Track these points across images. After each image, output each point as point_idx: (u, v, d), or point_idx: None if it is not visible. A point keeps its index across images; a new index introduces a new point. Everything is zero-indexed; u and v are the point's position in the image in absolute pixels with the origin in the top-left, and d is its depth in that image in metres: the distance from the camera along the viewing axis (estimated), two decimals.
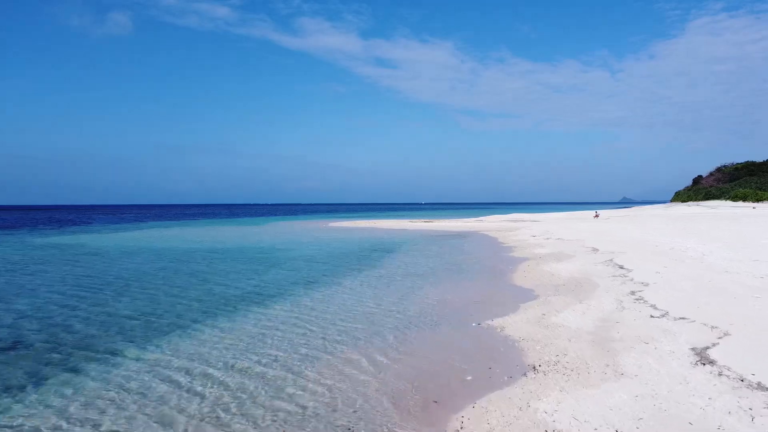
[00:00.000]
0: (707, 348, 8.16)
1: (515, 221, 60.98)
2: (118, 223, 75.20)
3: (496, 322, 11.41)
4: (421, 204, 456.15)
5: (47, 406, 7.21)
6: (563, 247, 25.63)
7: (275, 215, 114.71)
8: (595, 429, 5.79)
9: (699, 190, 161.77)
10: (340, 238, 39.56)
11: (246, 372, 8.54)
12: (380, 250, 29.90)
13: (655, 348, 8.44)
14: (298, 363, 8.94)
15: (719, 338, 8.61)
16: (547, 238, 31.64)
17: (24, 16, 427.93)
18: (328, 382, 8.01)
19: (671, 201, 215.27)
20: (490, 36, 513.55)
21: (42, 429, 6.55)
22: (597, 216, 64.60)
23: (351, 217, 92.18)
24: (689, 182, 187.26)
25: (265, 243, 35.78)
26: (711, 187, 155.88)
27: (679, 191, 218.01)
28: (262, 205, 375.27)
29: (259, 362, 9.00)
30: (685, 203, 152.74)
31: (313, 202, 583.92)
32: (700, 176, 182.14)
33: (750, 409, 5.93)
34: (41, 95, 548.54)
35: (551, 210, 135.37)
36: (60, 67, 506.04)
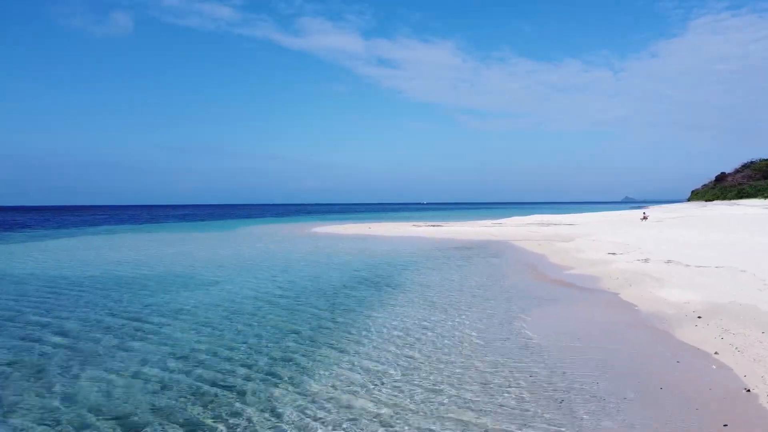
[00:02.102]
0: None
1: (544, 225, 48.56)
2: (71, 226, 62.86)
3: None
4: (423, 204, 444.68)
5: None
6: (730, 292, 13.11)
7: (264, 217, 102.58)
8: None
9: (727, 188, 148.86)
10: (316, 255, 27.21)
11: None
12: (367, 283, 17.47)
13: None
14: None
15: None
16: (644, 260, 19.17)
17: (24, 16, 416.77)
18: None
19: (690, 200, 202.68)
20: (492, 35, 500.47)
21: None
22: (645, 218, 52.13)
23: (346, 219, 79.89)
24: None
25: (206, 264, 23.45)
26: (741, 185, 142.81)
27: (697, 190, 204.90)
28: (261, 205, 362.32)
29: None
30: (711, 202, 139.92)
31: (314, 202, 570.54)
32: (723, 173, 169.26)
33: None
34: (41, 95, 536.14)
35: (567, 210, 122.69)
36: (60, 67, 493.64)
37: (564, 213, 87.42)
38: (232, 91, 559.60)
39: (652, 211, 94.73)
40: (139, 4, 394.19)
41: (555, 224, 51.13)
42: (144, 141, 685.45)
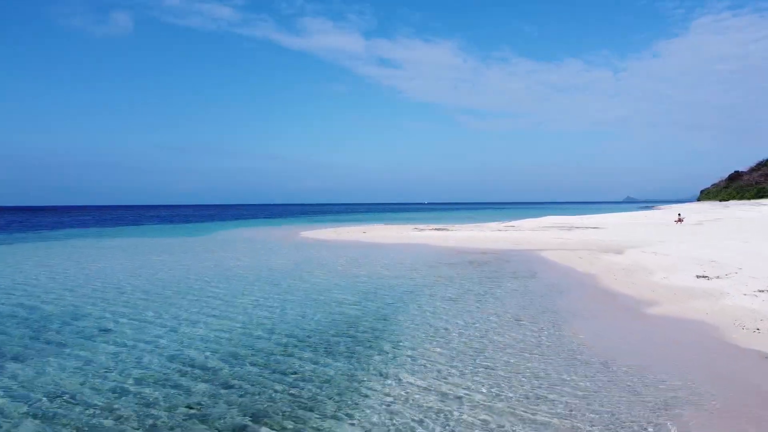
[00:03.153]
0: None
1: (566, 228, 42.05)
2: (35, 229, 56.32)
3: None
4: (424, 204, 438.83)
5: None
6: None
7: (257, 218, 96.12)
8: None
9: (744, 187, 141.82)
10: (286, 276, 20.74)
11: None
12: (345, 335, 10.85)
13: None
14: None
15: None
16: None
17: (24, 16, 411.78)
18: None
19: (699, 200, 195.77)
20: (493, 35, 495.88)
21: None
22: (681, 221, 45.57)
23: (342, 221, 73.46)
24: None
25: (117, 293, 17.01)
26: (759, 183, 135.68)
27: (708, 189, 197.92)
28: (260, 205, 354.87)
29: None
30: (727, 202, 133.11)
31: (314, 203, 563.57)
32: (738, 172, 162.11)
33: None
34: (41, 95, 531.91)
35: (572, 210, 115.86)
36: (60, 67, 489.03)
37: (574, 214, 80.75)
38: (232, 91, 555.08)
39: (669, 212, 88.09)
40: (139, 4, 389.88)
41: (577, 227, 44.63)
42: (144, 141, 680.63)
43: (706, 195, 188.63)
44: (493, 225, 52.14)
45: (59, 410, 6.92)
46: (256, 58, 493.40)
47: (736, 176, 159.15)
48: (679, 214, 48.04)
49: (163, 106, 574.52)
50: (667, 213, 77.44)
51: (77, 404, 7.12)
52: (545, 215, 78.14)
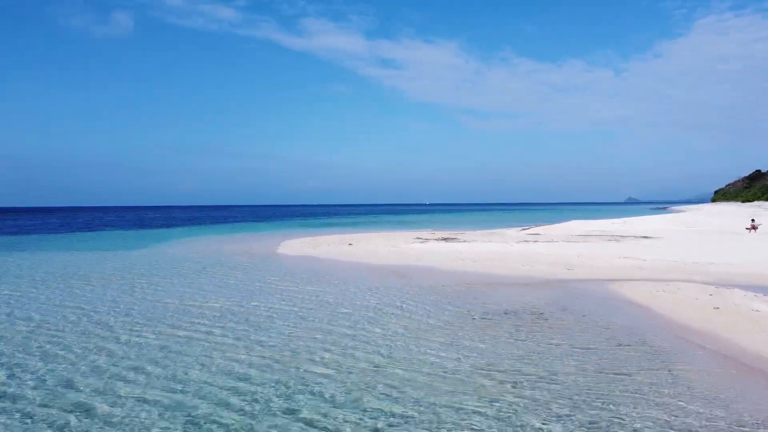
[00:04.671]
0: None
1: (609, 238, 32.40)
2: None
3: None
4: (426, 204, 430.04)
5: None
6: None
7: (241, 221, 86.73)
8: None
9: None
10: (156, 378, 10.95)
11: None
12: None
13: None
14: None
15: None
16: None
17: (24, 16, 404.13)
18: None
19: (714, 200, 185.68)
20: (495, 36, 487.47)
21: None
22: (755, 228, 35.84)
23: (335, 225, 64.01)
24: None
25: None
26: None
27: (724, 189, 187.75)
28: (260, 206, 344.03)
29: None
30: (753, 203, 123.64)
31: (314, 203, 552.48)
32: (759, 171, 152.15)
33: None
34: (41, 95, 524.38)
35: (577, 211, 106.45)
36: (61, 67, 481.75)
37: (589, 217, 70.14)
38: (232, 91, 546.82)
39: (699, 214, 78.75)
40: (141, 4, 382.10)
41: (623, 237, 35.02)
42: (144, 141, 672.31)
43: (723, 195, 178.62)
44: (513, 233, 42.40)
45: None
46: (257, 58, 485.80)
47: (757, 176, 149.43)
48: (752, 221, 38.28)
49: (164, 106, 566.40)
50: (698, 216, 68.30)
51: None
52: (560, 218, 68.63)
